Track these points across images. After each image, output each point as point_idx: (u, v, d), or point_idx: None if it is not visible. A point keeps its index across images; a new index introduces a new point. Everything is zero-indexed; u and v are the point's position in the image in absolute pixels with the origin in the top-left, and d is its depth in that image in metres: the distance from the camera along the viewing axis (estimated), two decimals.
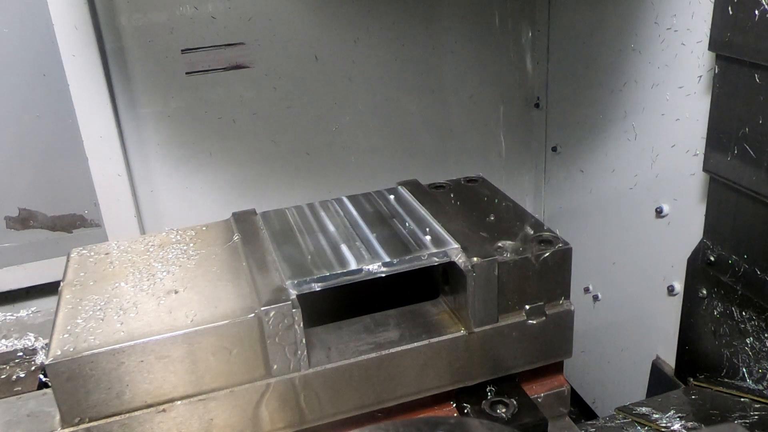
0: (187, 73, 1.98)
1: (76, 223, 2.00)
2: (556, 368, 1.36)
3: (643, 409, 1.51)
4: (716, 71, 1.43)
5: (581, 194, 2.14)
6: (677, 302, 1.72)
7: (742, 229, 1.45)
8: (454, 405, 1.29)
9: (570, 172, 2.19)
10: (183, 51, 1.96)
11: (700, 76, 1.53)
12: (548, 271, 1.25)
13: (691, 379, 1.64)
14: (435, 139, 2.28)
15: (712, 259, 1.54)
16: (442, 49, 2.17)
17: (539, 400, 1.32)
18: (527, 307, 1.26)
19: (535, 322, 1.26)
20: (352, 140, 2.19)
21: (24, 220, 1.96)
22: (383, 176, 2.22)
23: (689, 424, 1.41)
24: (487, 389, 1.29)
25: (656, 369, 1.85)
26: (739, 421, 1.38)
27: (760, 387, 1.48)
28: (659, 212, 1.76)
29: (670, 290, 1.76)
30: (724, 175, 1.45)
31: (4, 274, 1.97)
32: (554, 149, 2.25)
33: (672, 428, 1.41)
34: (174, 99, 2.00)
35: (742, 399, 1.48)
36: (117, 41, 1.90)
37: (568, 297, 1.29)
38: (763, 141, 1.34)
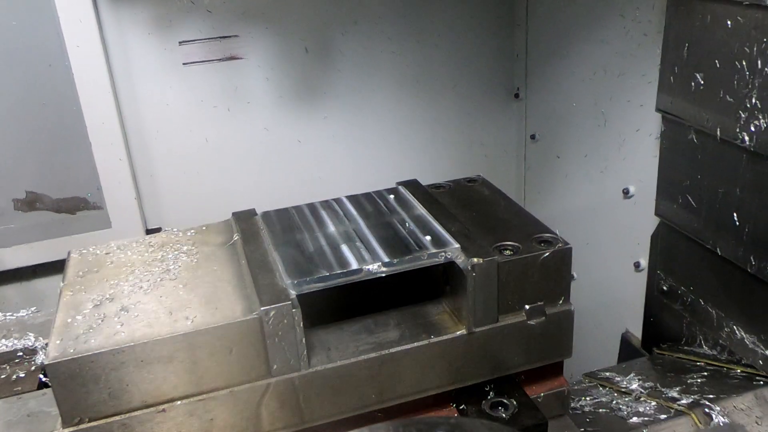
0: (184, 63, 2.07)
1: (79, 206, 2.07)
2: (556, 368, 1.35)
3: (607, 374, 1.62)
4: (662, 129, 1.60)
5: (558, 179, 2.24)
6: (642, 278, 1.82)
7: (690, 266, 1.62)
8: (454, 405, 1.28)
9: (547, 158, 2.29)
10: (180, 43, 2.05)
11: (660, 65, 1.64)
12: (548, 271, 1.24)
13: (655, 349, 1.75)
14: (420, 127, 2.36)
15: (665, 288, 1.71)
16: (426, 43, 2.26)
17: (539, 400, 1.30)
18: (527, 307, 1.25)
19: (535, 322, 1.25)
20: (341, 128, 2.28)
21: (31, 203, 2.03)
22: (370, 161, 2.32)
23: (646, 384, 1.52)
24: (487, 389, 1.28)
25: (625, 341, 1.95)
26: (691, 379, 1.50)
27: (714, 352, 1.59)
28: (626, 193, 1.86)
29: (637, 266, 1.87)
30: (672, 220, 1.62)
31: (12, 252, 2.04)
32: (533, 137, 2.35)
33: (630, 387, 1.52)
34: (172, 88, 2.08)
35: (697, 363, 1.59)
36: (119, 33, 1.98)
37: (568, 297, 1.28)
38: (702, 194, 1.50)
